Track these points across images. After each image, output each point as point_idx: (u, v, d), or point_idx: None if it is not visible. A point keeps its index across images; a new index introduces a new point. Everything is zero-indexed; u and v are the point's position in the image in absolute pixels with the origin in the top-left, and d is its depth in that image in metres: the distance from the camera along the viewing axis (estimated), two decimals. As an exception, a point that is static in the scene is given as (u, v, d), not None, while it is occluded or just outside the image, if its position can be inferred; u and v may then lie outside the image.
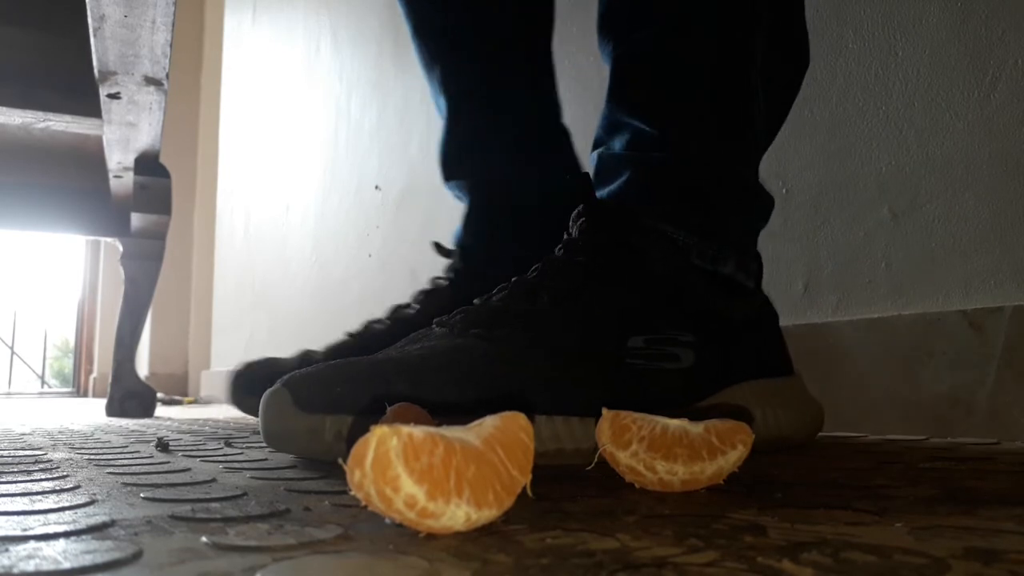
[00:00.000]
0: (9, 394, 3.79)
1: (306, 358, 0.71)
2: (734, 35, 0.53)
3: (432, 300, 0.71)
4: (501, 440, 0.24)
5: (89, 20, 0.86)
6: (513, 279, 0.50)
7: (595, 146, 0.56)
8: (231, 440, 0.63)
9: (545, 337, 0.46)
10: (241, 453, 0.51)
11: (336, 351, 0.71)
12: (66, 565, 0.20)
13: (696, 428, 0.31)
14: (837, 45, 0.73)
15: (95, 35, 0.89)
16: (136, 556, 0.21)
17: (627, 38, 0.55)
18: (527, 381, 0.44)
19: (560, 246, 0.51)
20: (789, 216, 0.76)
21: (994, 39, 0.62)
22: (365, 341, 0.70)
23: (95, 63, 0.96)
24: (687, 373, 0.48)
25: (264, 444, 0.54)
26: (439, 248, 0.74)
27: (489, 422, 0.25)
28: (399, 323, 0.71)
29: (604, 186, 0.54)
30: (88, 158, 1.37)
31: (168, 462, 0.46)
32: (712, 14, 0.53)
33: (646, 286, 0.49)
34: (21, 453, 0.51)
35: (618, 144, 0.54)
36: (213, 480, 0.37)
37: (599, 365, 0.46)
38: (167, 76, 1.00)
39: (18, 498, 0.31)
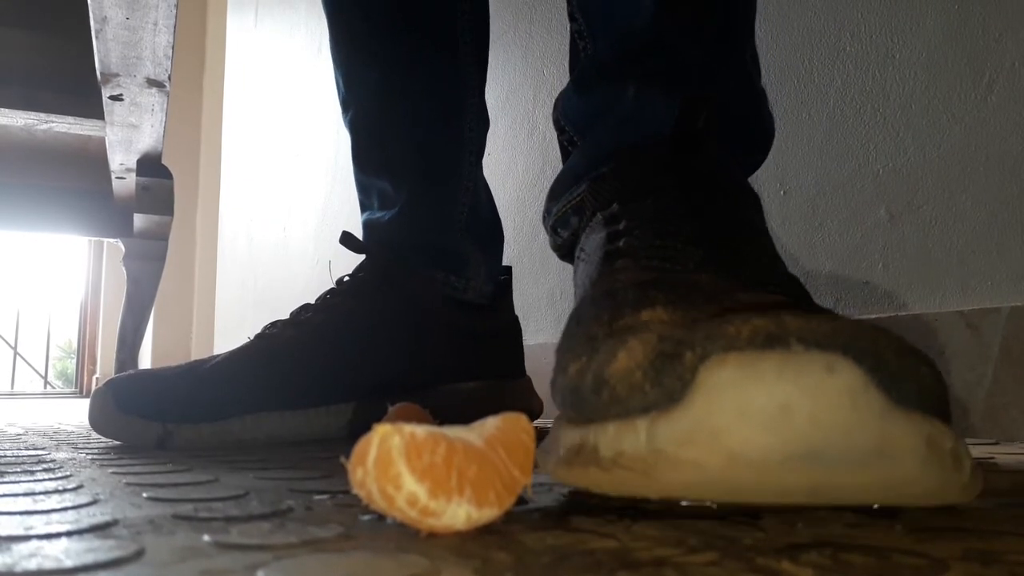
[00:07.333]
0: (12, 394, 3.79)
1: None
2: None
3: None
4: (503, 440, 0.24)
5: (91, 22, 0.86)
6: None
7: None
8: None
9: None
10: (242, 453, 0.52)
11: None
12: (68, 563, 0.20)
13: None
14: (835, 47, 0.74)
15: (97, 37, 0.89)
16: (138, 554, 0.21)
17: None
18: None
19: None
20: (787, 217, 0.76)
21: (991, 41, 0.62)
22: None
23: (97, 65, 0.97)
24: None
25: (264, 446, 0.55)
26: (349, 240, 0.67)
27: (491, 423, 0.25)
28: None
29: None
30: (90, 159, 1.37)
31: (170, 462, 0.46)
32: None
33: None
34: (24, 453, 0.52)
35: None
36: (215, 480, 0.37)
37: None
38: (169, 78, 1.00)
39: (21, 498, 0.31)
